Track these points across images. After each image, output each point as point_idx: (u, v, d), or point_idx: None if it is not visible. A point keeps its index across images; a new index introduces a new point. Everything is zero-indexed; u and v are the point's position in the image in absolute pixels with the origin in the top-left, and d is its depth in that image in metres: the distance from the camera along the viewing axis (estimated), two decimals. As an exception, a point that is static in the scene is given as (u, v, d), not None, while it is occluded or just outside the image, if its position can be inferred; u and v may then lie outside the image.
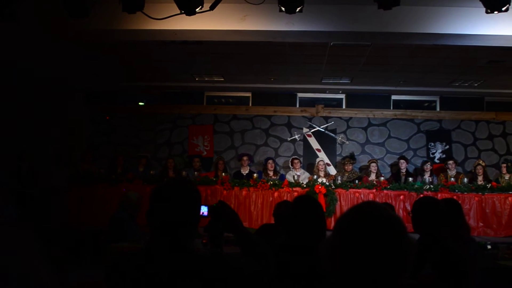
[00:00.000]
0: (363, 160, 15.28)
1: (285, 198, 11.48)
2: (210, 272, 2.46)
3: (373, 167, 13.55)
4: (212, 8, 6.91)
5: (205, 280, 2.44)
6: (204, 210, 5.26)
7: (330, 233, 1.85)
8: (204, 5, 6.87)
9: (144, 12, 7.01)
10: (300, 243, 3.72)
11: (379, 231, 1.73)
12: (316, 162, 13.98)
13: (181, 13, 6.95)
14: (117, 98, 15.95)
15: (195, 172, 13.22)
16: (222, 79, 14.51)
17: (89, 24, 8.06)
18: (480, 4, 6.86)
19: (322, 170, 13.50)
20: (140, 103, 16.30)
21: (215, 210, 2.81)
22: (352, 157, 14.54)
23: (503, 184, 12.45)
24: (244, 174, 13.52)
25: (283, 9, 6.96)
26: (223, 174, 12.90)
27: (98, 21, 8.20)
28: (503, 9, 6.77)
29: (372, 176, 13.29)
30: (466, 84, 14.40)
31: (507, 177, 13.14)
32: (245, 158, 13.94)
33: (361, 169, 14.94)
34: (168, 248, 2.51)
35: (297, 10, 6.92)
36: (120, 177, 12.59)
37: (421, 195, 11.35)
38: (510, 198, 11.86)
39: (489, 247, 8.14)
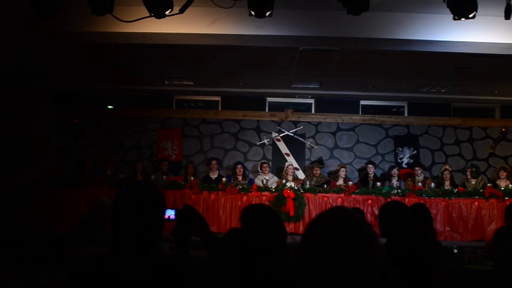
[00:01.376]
0: (331, 165, 15.34)
1: (253, 202, 11.47)
2: (175, 276, 2.45)
3: (343, 171, 13.62)
4: (181, 11, 6.87)
5: (170, 285, 2.42)
6: (171, 213, 5.25)
7: (300, 238, 1.85)
8: (174, 8, 6.83)
9: (113, 15, 6.96)
10: (258, 247, 3.74)
11: (348, 236, 1.73)
12: (285, 166, 14.00)
13: (150, 16, 6.92)
14: (85, 101, 15.82)
15: (164, 176, 13.16)
16: (192, 83, 14.47)
17: (57, 26, 7.99)
18: (448, 11, 6.92)
19: (290, 174, 13.53)
20: (109, 107, 16.18)
21: (181, 214, 2.80)
22: (320, 162, 14.59)
23: (470, 189, 12.58)
24: (213, 178, 13.50)
25: (253, 13, 6.95)
26: (192, 178, 12.85)
27: (66, 23, 8.12)
28: (470, 16, 6.84)
29: (340, 181, 13.35)
30: (434, 90, 14.53)
31: (473, 182, 13.28)
32: (214, 162, 13.92)
33: (329, 173, 14.99)
34: (132, 252, 2.49)
35: (266, 15, 6.92)
36: (88, 181, 12.48)
37: (389, 200, 11.44)
38: (476, 203, 11.99)
39: (455, 251, 8.21)
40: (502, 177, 13.07)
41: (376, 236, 1.78)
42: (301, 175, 14.74)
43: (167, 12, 6.84)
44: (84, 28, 8.37)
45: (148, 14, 6.91)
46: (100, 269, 2.49)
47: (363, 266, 1.70)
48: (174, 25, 8.10)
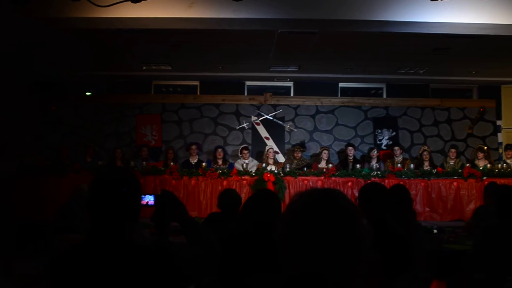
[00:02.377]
0: (311, 148, 15.38)
1: (234, 186, 11.47)
2: (149, 262, 2.44)
3: (325, 154, 13.60)
4: (157, -5, 6.83)
5: (147, 271, 2.42)
6: (150, 199, 5.24)
7: (281, 218, 1.82)
8: (150, -8, 6.79)
9: (89, 0, 6.89)
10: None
11: (333, 215, 1.71)
12: (266, 150, 13.99)
13: (126, 0, 6.85)
14: (63, 87, 15.68)
15: (143, 162, 13.10)
16: (170, 68, 14.40)
17: (32, 11, 7.90)
18: (425, -9, 6.94)
19: (271, 158, 13.52)
20: (87, 93, 16.07)
21: (159, 199, 2.78)
22: (302, 145, 14.62)
23: (449, 169, 12.65)
24: (193, 163, 13.45)
25: (229, -4, 6.93)
26: (172, 163, 12.81)
27: (41, 8, 8.05)
28: (447, -4, 6.87)
29: (323, 164, 13.36)
30: (412, 72, 14.58)
31: (452, 162, 13.35)
32: (193, 147, 13.86)
33: (311, 156, 15.02)
34: (108, 239, 2.48)
35: (243, -2, 6.90)
36: (67, 168, 12.39)
37: (369, 181, 11.48)
38: (455, 183, 12.06)
39: (435, 231, 8.26)
40: (480, 157, 13.14)
41: (360, 215, 1.77)
42: (281, 158, 14.75)
43: (143, -4, 6.79)
44: (59, 14, 8.30)
45: (124, -1, 6.85)
46: (77, 257, 2.48)
47: (350, 247, 1.68)
48: (150, 10, 8.05)
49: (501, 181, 10.66)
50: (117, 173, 2.70)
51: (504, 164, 12.59)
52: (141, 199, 2.64)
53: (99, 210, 2.53)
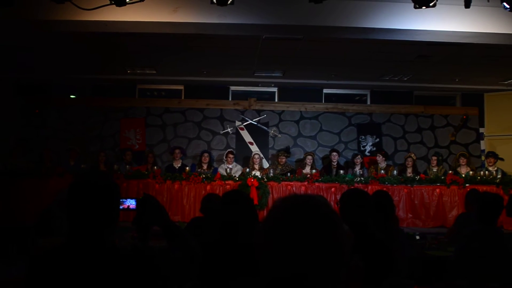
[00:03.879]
0: (295, 153, 15.40)
1: (217, 191, 11.46)
2: (129, 266, 2.44)
3: (309, 159, 13.64)
4: (142, -1, 6.83)
5: (124, 275, 2.41)
6: (132, 203, 5.23)
7: (262, 223, 1.82)
8: (135, -4, 6.78)
9: (73, 3, 6.87)
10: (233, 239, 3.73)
11: (314, 220, 1.70)
12: (252, 155, 14.00)
13: (111, 4, 6.84)
14: (47, 90, 15.59)
15: (127, 166, 13.05)
16: (154, 72, 14.37)
17: (15, 14, 7.87)
18: (409, -1, 6.99)
19: (257, 163, 13.52)
20: (71, 96, 15.99)
21: (140, 203, 2.79)
22: (287, 151, 14.61)
23: (431, 176, 12.71)
24: (177, 168, 13.44)
25: (214, 1, 6.94)
26: (155, 167, 12.78)
27: (25, 10, 8.02)
28: (431, 4, 6.92)
29: (307, 169, 13.38)
30: (396, 78, 14.65)
31: (435, 169, 13.43)
32: (177, 151, 13.86)
33: (295, 162, 15.04)
34: (86, 243, 2.48)
35: (228, 3, 6.91)
36: (49, 171, 12.33)
37: (352, 187, 11.52)
38: (437, 190, 12.12)
39: (417, 237, 8.31)
40: (463, 164, 13.22)
41: (340, 221, 1.77)
42: (264, 163, 14.75)
43: (128, 0, 6.77)
44: (44, 16, 8.26)
45: (108, 2, 6.84)
46: (55, 260, 2.47)
47: (331, 253, 1.68)
48: (135, 13, 8.04)
49: (483, 188, 10.75)
50: (95, 177, 2.69)
51: (486, 172, 12.67)
52: (119, 203, 2.64)
53: (77, 213, 2.53)
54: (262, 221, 1.80)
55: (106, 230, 2.54)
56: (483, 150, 15.51)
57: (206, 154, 13.61)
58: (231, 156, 13.66)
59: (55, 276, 2.42)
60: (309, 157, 13.78)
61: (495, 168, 12.94)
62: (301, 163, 14.21)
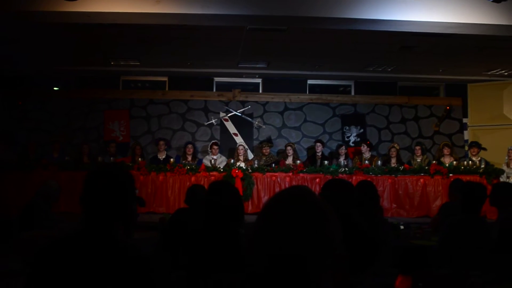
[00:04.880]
0: (279, 144, 15.39)
1: (202, 182, 11.45)
2: (128, 266, 2.43)
3: (289, 150, 13.66)
4: (126, -10, 6.78)
5: (123, 274, 2.41)
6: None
7: (251, 217, 1.83)
8: (118, -14, 6.73)
9: (56, -7, 6.82)
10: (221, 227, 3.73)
11: (308, 209, 1.71)
12: (237, 147, 13.99)
13: (94, -5, 6.80)
14: (30, 82, 15.49)
15: (111, 158, 13.01)
16: (138, 63, 14.32)
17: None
18: (393, -11, 7.00)
19: (241, 154, 13.51)
20: (55, 88, 15.89)
21: None
22: (269, 141, 14.62)
23: (415, 166, 12.77)
24: (161, 159, 13.42)
25: (198, -8, 6.92)
26: (140, 159, 12.76)
27: (7, 1, 7.95)
28: (415, -6, 6.93)
29: (289, 160, 13.40)
30: (380, 69, 14.69)
31: (419, 159, 13.48)
32: (161, 143, 13.82)
33: (278, 153, 15.05)
34: (98, 235, 2.47)
35: (212, -7, 6.89)
36: (34, 164, 12.28)
37: (334, 178, 11.57)
38: (421, 180, 12.19)
39: (402, 227, 8.32)
40: (446, 154, 13.28)
41: (333, 214, 1.77)
42: (249, 155, 14.75)
43: (111, -9, 6.73)
44: (27, 7, 8.21)
45: (91, -7, 6.79)
46: (62, 252, 2.46)
47: (317, 242, 1.68)
48: (118, 4, 8.01)
49: (466, 178, 10.81)
50: (110, 169, 2.69)
51: (470, 161, 12.75)
52: (129, 198, 2.62)
53: (91, 205, 2.52)
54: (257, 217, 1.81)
55: (116, 224, 2.53)
56: (467, 140, 15.59)
57: (190, 146, 13.61)
58: (215, 147, 13.65)
59: (60, 267, 2.41)
60: (289, 147, 13.79)
61: (479, 158, 13.01)
62: (284, 154, 14.22)
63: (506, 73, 14.84)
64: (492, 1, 7.01)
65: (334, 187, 4.52)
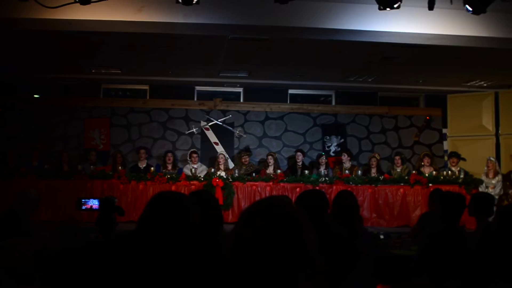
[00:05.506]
0: (260, 153, 15.40)
1: (182, 191, 11.42)
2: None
3: (270, 159, 13.66)
4: (107, -3, 6.77)
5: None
6: (95, 203, 5.20)
7: (231, 226, 1.82)
8: (100, -6, 6.71)
9: (37, 1, 6.78)
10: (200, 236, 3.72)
11: (281, 221, 1.72)
12: (217, 156, 13.98)
13: (75, 2, 6.77)
14: (10, 89, 15.38)
15: (91, 166, 12.95)
16: (119, 71, 14.28)
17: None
18: (374, 1, 7.04)
19: (222, 163, 13.50)
20: (35, 95, 15.79)
21: (103, 203, 2.78)
22: (247, 150, 14.64)
23: (395, 176, 12.84)
24: (142, 168, 13.38)
25: (180, 0, 6.91)
26: (120, 168, 12.71)
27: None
28: (395, 6, 6.98)
29: (270, 169, 13.41)
30: (361, 80, 14.75)
31: (399, 169, 13.55)
32: (142, 151, 13.79)
33: (260, 162, 15.05)
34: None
35: (194, 2, 6.89)
36: (13, 172, 12.20)
37: (317, 188, 11.62)
38: (401, 190, 12.26)
39: (382, 236, 8.36)
40: (427, 164, 13.36)
41: (309, 225, 1.78)
42: (230, 164, 14.75)
43: (92, -2, 6.71)
44: (7, 14, 8.15)
45: (73, 0, 6.77)
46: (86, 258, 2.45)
47: (295, 252, 1.69)
48: (100, 12, 7.98)
49: (446, 187, 10.83)
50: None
51: (449, 172, 12.83)
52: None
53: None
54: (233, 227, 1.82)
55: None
56: (446, 151, 15.68)
57: (170, 154, 13.59)
58: (195, 155, 13.65)
59: (82, 273, 2.40)
60: (270, 157, 13.80)
61: (458, 168, 13.10)
62: (265, 163, 14.22)
63: (485, 84, 14.98)
64: (472, 13, 7.07)
65: (307, 198, 4.54)
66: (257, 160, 15.21)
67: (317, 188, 11.90)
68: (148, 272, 2.44)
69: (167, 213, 2.57)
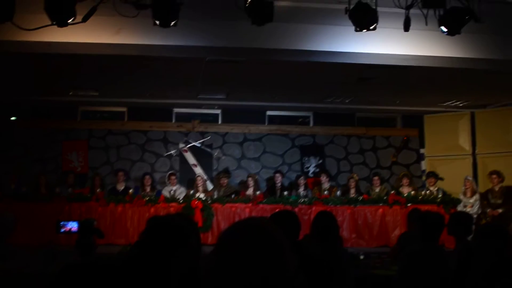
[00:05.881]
0: (239, 175, 15.39)
1: (161, 214, 11.35)
2: None
3: (250, 181, 13.64)
4: (84, 20, 6.75)
5: None
6: (74, 226, 5.16)
7: (211, 248, 1.82)
8: (77, 17, 6.69)
9: (14, 22, 6.75)
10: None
11: (261, 246, 1.72)
12: (195, 178, 13.94)
13: (52, 24, 6.75)
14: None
15: (69, 189, 12.86)
16: (97, 94, 14.21)
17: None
18: (350, 22, 7.09)
19: (200, 185, 13.46)
20: (12, 118, 15.66)
21: (82, 225, 2.76)
22: (226, 172, 14.62)
23: (374, 197, 12.87)
24: (120, 190, 13.30)
25: (157, 23, 6.92)
26: (99, 190, 12.64)
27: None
28: (371, 27, 7.04)
29: (250, 191, 13.38)
30: (338, 101, 14.81)
31: (377, 189, 13.59)
32: (120, 173, 13.73)
33: (239, 184, 15.03)
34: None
35: (171, 25, 6.90)
36: (-11, 195, 12.08)
37: (296, 209, 11.63)
38: (380, 210, 12.29)
39: (361, 257, 8.37)
40: (405, 184, 13.43)
41: (288, 245, 1.78)
42: (209, 186, 14.71)
43: (69, 21, 6.69)
44: (-18, 37, 8.10)
45: (50, 22, 6.74)
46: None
47: (274, 273, 1.69)
48: (78, 35, 7.96)
49: (424, 207, 10.85)
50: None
51: (428, 191, 12.89)
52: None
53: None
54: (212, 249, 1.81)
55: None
56: (424, 171, 15.75)
57: (148, 177, 13.54)
58: (173, 177, 13.62)
59: None
60: (250, 178, 13.78)
61: (436, 188, 13.16)
62: (244, 185, 14.21)
63: (461, 104, 15.12)
64: (447, 34, 7.15)
65: (279, 218, 4.56)
66: (237, 182, 15.19)
67: (296, 209, 11.92)
68: None
69: (169, 238, 2.55)
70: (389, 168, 16.08)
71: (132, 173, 15.14)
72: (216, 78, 12.29)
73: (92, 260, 2.74)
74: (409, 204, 12.12)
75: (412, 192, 12.85)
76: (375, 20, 6.97)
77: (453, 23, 7.00)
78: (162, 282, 2.44)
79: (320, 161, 15.81)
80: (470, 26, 7.06)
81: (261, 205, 12.25)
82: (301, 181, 13.71)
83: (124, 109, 15.95)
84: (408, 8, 6.89)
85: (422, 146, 16.26)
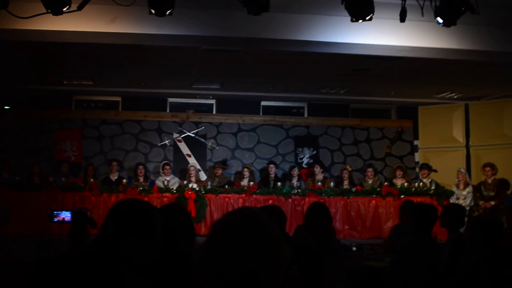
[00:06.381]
0: (233, 165, 15.38)
1: (155, 204, 11.34)
2: None
3: (245, 172, 13.65)
4: (79, 8, 6.70)
5: None
6: (67, 215, 5.14)
7: (204, 238, 1.81)
8: (72, 5, 6.65)
9: (8, 10, 6.70)
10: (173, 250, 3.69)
11: (251, 232, 1.71)
12: (188, 168, 13.93)
13: (47, 12, 6.71)
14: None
15: (63, 178, 12.83)
16: (91, 83, 14.18)
17: None
18: (346, 13, 7.07)
19: (193, 175, 13.46)
20: (5, 107, 15.61)
21: (76, 215, 2.75)
22: (223, 163, 14.60)
23: (367, 188, 12.89)
24: (113, 180, 13.28)
25: (153, 11, 6.88)
26: (92, 180, 12.62)
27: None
28: (367, 18, 7.01)
29: (245, 181, 13.39)
30: (333, 91, 14.81)
31: (370, 181, 13.61)
32: (114, 163, 13.71)
33: (234, 174, 15.03)
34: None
35: (167, 13, 6.86)
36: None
37: (290, 200, 11.65)
38: (373, 201, 12.31)
39: (354, 248, 8.39)
40: (399, 176, 13.45)
41: (280, 236, 1.77)
42: (202, 176, 14.70)
43: (64, 9, 6.64)
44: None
45: (45, 11, 6.70)
46: (63, 268, 2.42)
47: (270, 267, 1.69)
48: (73, 23, 7.92)
49: (417, 199, 10.91)
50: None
51: (421, 183, 12.91)
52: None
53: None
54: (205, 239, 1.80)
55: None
56: (417, 162, 15.79)
57: (141, 167, 13.52)
58: (167, 167, 13.59)
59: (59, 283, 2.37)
60: (245, 169, 13.80)
61: (429, 180, 13.19)
62: (240, 175, 14.21)
63: (455, 96, 15.14)
64: (442, 25, 7.14)
65: (269, 210, 4.58)
66: (233, 172, 15.19)
67: (290, 200, 11.96)
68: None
69: (128, 225, 2.55)
70: (382, 159, 16.09)
71: (126, 163, 15.11)
72: (211, 68, 12.28)
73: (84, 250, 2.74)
74: (402, 196, 12.15)
75: (406, 184, 12.88)
76: (371, 11, 6.94)
77: (449, 14, 6.97)
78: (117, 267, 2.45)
79: (314, 152, 15.81)
80: (466, 17, 7.04)
81: (254, 196, 12.26)
82: (295, 172, 13.72)
83: (118, 98, 15.91)
84: (404, -2, 6.88)
85: (416, 137, 16.28)
